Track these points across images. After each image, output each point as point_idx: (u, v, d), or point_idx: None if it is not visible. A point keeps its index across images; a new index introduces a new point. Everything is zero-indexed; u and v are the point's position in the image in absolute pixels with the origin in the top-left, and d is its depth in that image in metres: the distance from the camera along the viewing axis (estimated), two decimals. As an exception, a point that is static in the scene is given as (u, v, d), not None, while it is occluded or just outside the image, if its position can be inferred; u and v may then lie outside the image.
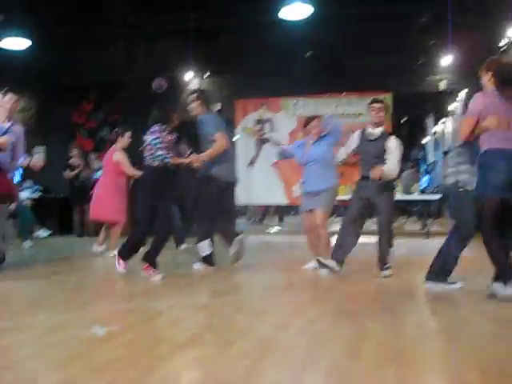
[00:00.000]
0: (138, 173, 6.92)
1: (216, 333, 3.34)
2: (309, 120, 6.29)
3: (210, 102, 6.33)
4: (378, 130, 5.60)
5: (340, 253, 5.58)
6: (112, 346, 2.95)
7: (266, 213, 16.16)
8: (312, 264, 6.00)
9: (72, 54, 12.66)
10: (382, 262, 5.50)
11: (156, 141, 5.40)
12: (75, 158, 11.00)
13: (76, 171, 10.88)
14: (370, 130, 5.66)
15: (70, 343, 3.06)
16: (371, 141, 5.59)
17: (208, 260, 5.95)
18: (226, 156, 5.99)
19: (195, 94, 6.20)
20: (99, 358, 2.74)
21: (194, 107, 6.11)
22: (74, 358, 2.77)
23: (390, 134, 5.66)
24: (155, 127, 5.49)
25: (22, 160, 5.94)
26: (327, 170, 6.02)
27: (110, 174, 7.53)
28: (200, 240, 5.95)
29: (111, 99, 13.31)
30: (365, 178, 5.54)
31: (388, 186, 5.51)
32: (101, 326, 3.31)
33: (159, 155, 5.39)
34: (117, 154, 7.49)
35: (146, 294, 4.73)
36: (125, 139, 7.51)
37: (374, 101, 5.75)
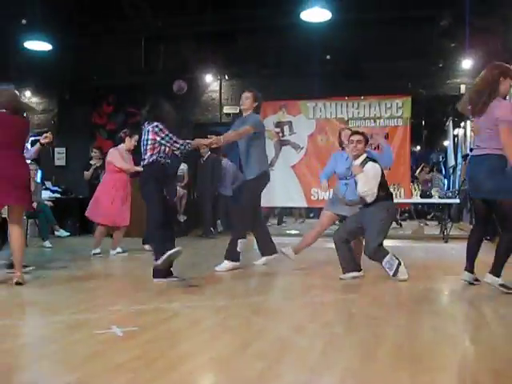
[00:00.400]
0: (135, 168, 6.99)
1: (233, 334, 3.37)
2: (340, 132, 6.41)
3: (260, 103, 6.34)
4: (359, 161, 5.64)
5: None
6: (130, 346, 3.00)
7: (268, 215, 16.13)
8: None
9: (93, 55, 12.81)
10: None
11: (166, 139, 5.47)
12: (95, 159, 11.09)
13: (91, 170, 10.94)
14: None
15: (89, 343, 3.11)
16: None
17: (236, 257, 6.12)
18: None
19: (250, 93, 6.26)
20: (117, 358, 2.78)
21: (247, 105, 6.22)
22: (92, 358, 2.82)
23: (372, 160, 5.64)
24: (160, 125, 5.52)
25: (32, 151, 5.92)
26: None
27: (110, 174, 7.72)
28: (237, 238, 6.08)
29: (131, 101, 13.41)
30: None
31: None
32: (119, 326, 3.37)
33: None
34: (109, 153, 7.71)
35: (164, 294, 4.77)
36: (131, 141, 7.61)
37: (354, 133, 5.82)
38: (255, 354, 2.87)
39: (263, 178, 6.23)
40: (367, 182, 5.47)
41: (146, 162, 5.50)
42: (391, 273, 5.45)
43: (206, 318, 3.82)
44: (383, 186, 5.60)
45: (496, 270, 4.71)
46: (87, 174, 10.96)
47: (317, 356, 2.86)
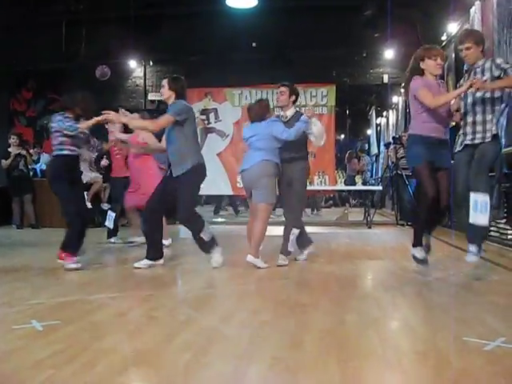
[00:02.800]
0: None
1: (158, 325, 3.30)
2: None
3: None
4: (289, 112, 5.80)
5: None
6: (50, 341, 2.87)
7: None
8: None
9: (12, 39, 12.23)
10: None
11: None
12: (14, 147, 10.65)
13: (10, 160, 10.51)
14: (281, 113, 5.97)
15: (6, 338, 2.96)
16: (284, 123, 5.73)
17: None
18: None
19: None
20: (36, 354, 2.66)
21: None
22: (10, 355, 2.68)
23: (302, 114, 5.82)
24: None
25: None
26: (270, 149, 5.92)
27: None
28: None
29: (52, 87, 12.96)
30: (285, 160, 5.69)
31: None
32: (39, 321, 3.23)
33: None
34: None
35: (87, 286, 4.63)
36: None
37: (281, 85, 5.92)
38: (181, 345, 2.82)
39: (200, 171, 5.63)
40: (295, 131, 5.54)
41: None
42: (289, 248, 5.67)
43: (130, 310, 3.72)
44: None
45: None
46: (5, 162, 10.52)
47: (244, 345, 2.83)
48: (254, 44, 12.04)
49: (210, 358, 2.63)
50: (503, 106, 4.77)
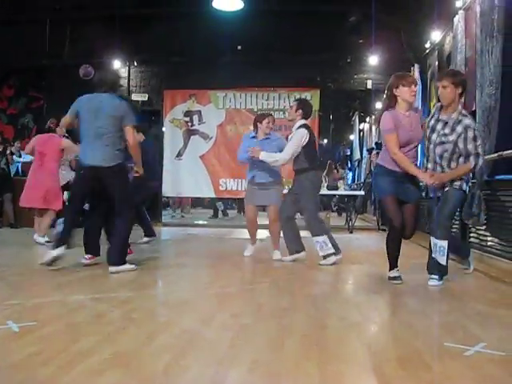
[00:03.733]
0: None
1: (138, 327, 3.25)
2: (260, 118, 6.48)
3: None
4: (295, 126, 6.11)
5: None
6: (26, 343, 2.82)
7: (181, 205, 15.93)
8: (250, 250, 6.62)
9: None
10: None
11: None
12: (-6, 145, 10.53)
13: None
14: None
15: (-18, 339, 2.90)
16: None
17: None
18: None
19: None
20: (12, 356, 2.60)
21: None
22: (-14, 355, 2.63)
23: (303, 126, 6.06)
24: None
25: None
26: (274, 166, 6.31)
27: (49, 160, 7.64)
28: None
29: (34, 85, 12.83)
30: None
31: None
32: (15, 322, 3.17)
33: None
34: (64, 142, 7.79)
35: (65, 287, 4.57)
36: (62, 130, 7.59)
37: (294, 100, 6.59)
38: (161, 348, 2.78)
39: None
40: (290, 151, 5.94)
41: None
42: (320, 253, 5.92)
43: (109, 311, 3.67)
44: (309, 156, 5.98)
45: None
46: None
47: (224, 348, 2.80)
48: (239, 47, 12.04)
49: (190, 361, 2.60)
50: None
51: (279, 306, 3.91)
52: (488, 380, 2.39)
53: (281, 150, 6.08)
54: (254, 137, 6.45)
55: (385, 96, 5.03)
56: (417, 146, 4.96)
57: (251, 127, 6.64)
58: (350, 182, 16.99)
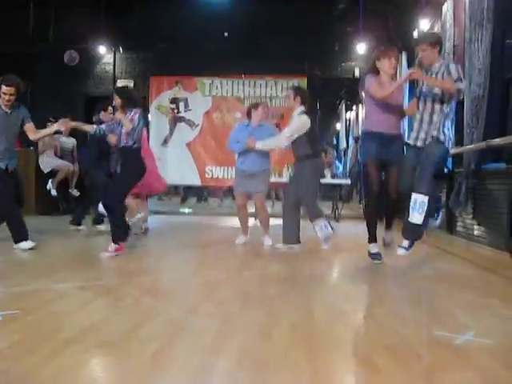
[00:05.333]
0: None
1: (123, 315, 3.21)
2: (254, 106, 6.55)
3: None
4: (295, 113, 6.11)
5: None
6: (10, 331, 2.76)
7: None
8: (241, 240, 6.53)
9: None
10: None
11: None
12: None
13: None
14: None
15: (-37, 328, 2.84)
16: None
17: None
18: None
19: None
20: (-4, 343, 2.55)
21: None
22: (-33, 344, 2.57)
23: (303, 113, 6.07)
24: None
25: None
26: (264, 155, 6.40)
27: None
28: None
29: (18, 71, 12.63)
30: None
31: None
32: (-3, 310, 3.11)
33: None
34: None
35: (50, 275, 4.50)
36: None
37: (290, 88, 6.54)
38: (147, 336, 2.74)
39: None
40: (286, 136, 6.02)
41: None
42: (321, 237, 5.98)
43: (94, 299, 3.62)
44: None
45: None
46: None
47: (211, 337, 2.76)
48: (225, 33, 11.94)
49: (177, 350, 2.56)
50: (448, 109, 4.86)
51: (267, 295, 3.88)
52: (478, 368, 2.37)
53: None
54: (247, 125, 6.44)
55: (368, 66, 5.32)
56: (398, 113, 5.11)
57: (237, 115, 6.66)
58: (339, 171, 16.96)
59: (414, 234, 4.78)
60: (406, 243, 4.79)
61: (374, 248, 5.07)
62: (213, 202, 14.83)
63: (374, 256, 5.05)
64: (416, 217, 4.65)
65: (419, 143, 4.88)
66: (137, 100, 5.83)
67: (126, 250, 5.55)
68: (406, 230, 4.84)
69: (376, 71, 5.06)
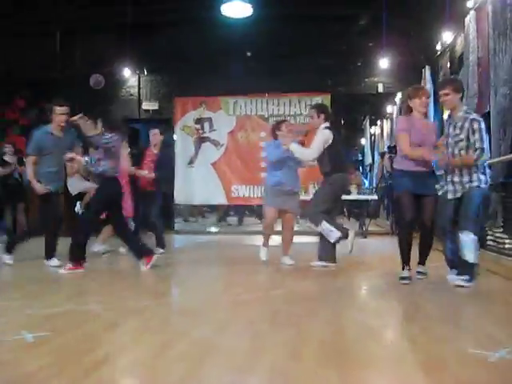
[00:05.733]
0: None
1: (153, 335, 3.21)
2: (277, 126, 6.47)
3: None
4: (322, 126, 6.12)
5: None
6: (41, 353, 2.78)
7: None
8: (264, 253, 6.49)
9: (5, 47, 12.14)
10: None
11: None
12: (9, 156, 10.56)
13: (7, 169, 10.43)
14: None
15: (-4, 350, 2.87)
16: None
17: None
18: None
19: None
20: (27, 367, 2.57)
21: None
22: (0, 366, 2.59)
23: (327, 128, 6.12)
24: None
25: None
26: (298, 175, 6.48)
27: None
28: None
29: (46, 96, 12.87)
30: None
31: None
32: (30, 332, 3.13)
33: None
34: None
35: (80, 296, 4.54)
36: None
37: (310, 108, 6.62)
38: (177, 356, 2.74)
39: None
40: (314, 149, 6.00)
41: None
42: (331, 240, 5.91)
43: (124, 320, 3.63)
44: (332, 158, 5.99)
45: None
46: (2, 170, 10.42)
47: (241, 356, 2.75)
48: (248, 53, 12.01)
49: (206, 370, 2.55)
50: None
51: (295, 313, 3.85)
52: (514, 386, 2.32)
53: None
54: (278, 143, 6.29)
55: (403, 105, 5.74)
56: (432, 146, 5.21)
57: (262, 134, 6.66)
58: (366, 186, 16.82)
59: (468, 270, 4.74)
60: (465, 277, 4.75)
61: (403, 273, 5.07)
62: (232, 221, 14.90)
63: (403, 278, 5.03)
64: (468, 256, 4.70)
65: (458, 194, 4.94)
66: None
67: (153, 270, 5.59)
68: (461, 267, 4.83)
69: (409, 110, 5.27)
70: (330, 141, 5.96)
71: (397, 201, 5.31)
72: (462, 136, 4.87)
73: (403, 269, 5.08)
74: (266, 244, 6.52)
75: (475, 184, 4.83)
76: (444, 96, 5.01)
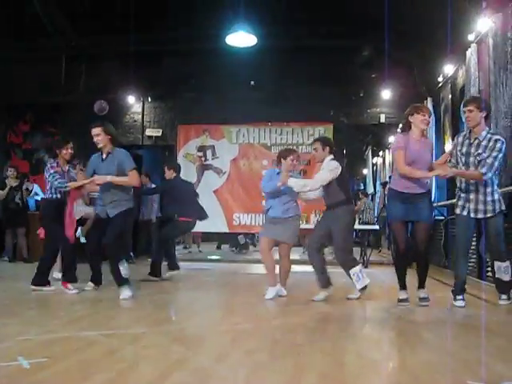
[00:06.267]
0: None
1: (151, 364, 3.18)
2: (284, 155, 6.18)
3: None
4: (325, 162, 6.02)
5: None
6: (37, 380, 2.76)
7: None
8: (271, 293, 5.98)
9: (9, 72, 12.26)
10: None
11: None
12: (11, 179, 10.60)
13: (7, 189, 10.45)
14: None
15: (-8, 376, 2.84)
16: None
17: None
18: None
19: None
20: (23, 392, 2.54)
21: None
22: (-5, 392, 2.57)
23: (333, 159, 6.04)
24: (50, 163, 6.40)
25: None
26: (293, 201, 6.20)
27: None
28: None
29: (50, 120, 12.96)
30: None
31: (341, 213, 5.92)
32: (26, 358, 3.11)
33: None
34: None
35: (78, 322, 4.51)
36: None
37: (314, 141, 6.33)
38: (175, 386, 2.71)
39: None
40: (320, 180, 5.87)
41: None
42: (358, 286, 5.88)
43: (122, 348, 3.60)
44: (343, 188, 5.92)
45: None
46: (2, 193, 10.44)
47: (240, 386, 2.72)
48: (252, 82, 12.12)
49: (204, 400, 2.52)
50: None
51: (295, 343, 3.82)
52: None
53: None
54: (278, 173, 6.10)
55: (402, 123, 5.60)
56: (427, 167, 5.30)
57: (264, 162, 6.59)
58: (376, 212, 16.68)
59: (508, 288, 5.29)
60: (504, 296, 5.30)
61: (401, 294, 5.33)
62: (228, 248, 14.92)
63: (401, 301, 5.29)
64: (505, 277, 5.22)
65: (472, 214, 5.17)
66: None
67: (153, 297, 5.56)
68: (499, 287, 5.38)
69: (408, 127, 5.31)
70: (339, 171, 5.87)
71: (390, 228, 5.53)
72: (486, 155, 5.02)
73: (400, 290, 5.39)
74: (271, 279, 6.04)
75: (498, 207, 5.12)
76: (468, 112, 5.13)
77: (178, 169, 8.31)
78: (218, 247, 16.34)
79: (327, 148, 6.03)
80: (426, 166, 5.28)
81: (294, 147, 11.44)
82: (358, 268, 5.92)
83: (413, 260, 5.55)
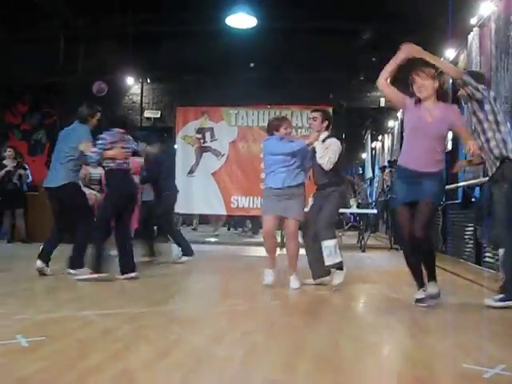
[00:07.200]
0: None
1: (148, 344, 3.19)
2: (278, 123, 5.78)
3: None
4: (321, 136, 5.65)
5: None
6: (35, 358, 2.77)
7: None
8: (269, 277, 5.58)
9: (9, 52, 12.19)
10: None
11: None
12: (9, 159, 10.57)
13: (4, 171, 10.43)
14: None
15: (-10, 354, 2.86)
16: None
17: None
18: None
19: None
20: (20, 371, 2.55)
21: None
22: (-7, 370, 2.58)
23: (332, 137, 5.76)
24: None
25: None
26: (297, 169, 5.66)
27: None
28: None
29: (48, 101, 12.92)
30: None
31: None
32: (24, 336, 3.12)
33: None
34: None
35: (78, 302, 4.53)
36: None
37: (313, 110, 5.95)
38: (171, 365, 2.72)
39: None
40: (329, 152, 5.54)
41: None
42: (327, 262, 5.42)
43: (119, 327, 3.61)
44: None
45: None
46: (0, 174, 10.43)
47: (236, 366, 2.74)
48: (251, 64, 12.07)
49: (201, 380, 2.54)
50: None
51: (292, 325, 3.84)
52: (509, 403, 2.31)
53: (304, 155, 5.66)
54: (280, 138, 5.66)
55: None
56: (437, 145, 4.55)
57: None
58: (373, 198, 16.73)
59: None
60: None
61: (418, 294, 4.59)
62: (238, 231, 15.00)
63: (417, 301, 4.57)
64: None
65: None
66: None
67: (152, 278, 5.57)
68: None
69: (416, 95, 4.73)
70: (341, 151, 5.66)
71: (395, 214, 5.08)
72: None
73: (418, 289, 4.60)
74: (270, 264, 5.57)
75: (504, 187, 4.63)
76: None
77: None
78: (228, 229, 16.80)
79: (326, 122, 5.71)
80: (440, 141, 4.60)
81: (293, 130, 11.44)
82: (332, 242, 5.42)
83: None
